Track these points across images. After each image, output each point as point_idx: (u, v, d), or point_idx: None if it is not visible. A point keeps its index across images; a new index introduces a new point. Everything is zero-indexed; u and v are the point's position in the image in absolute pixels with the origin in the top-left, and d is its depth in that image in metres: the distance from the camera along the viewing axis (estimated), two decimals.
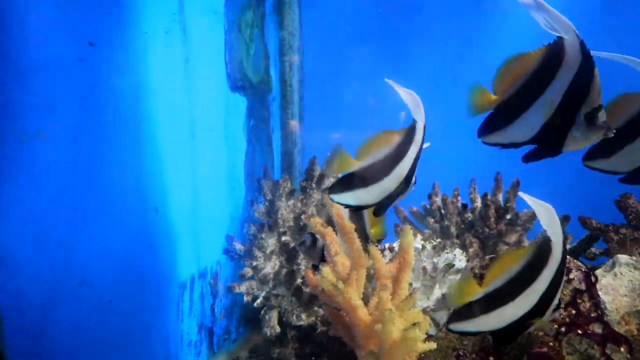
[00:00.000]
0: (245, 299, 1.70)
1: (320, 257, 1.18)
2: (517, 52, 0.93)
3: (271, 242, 1.74)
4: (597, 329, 1.14)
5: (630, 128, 1.02)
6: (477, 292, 0.92)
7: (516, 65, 0.93)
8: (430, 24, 2.80)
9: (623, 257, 1.31)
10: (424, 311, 1.35)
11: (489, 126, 0.97)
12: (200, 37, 1.80)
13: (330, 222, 1.11)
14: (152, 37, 1.54)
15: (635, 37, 2.34)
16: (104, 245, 1.37)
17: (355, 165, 0.93)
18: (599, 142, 0.96)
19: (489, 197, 1.78)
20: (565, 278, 1.21)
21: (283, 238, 1.73)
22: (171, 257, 1.71)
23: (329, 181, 1.81)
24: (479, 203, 1.83)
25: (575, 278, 1.23)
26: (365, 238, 1.16)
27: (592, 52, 0.88)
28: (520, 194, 0.96)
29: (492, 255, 1.51)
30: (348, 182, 0.94)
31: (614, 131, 0.91)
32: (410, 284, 1.40)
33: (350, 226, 1.09)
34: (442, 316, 1.38)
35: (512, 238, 1.78)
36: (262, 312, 1.69)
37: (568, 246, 1.86)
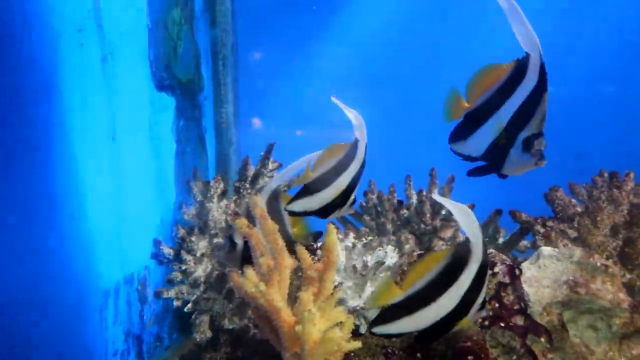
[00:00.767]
0: (175, 304, 1.63)
1: (240, 260, 1.14)
2: (492, 63, 0.90)
3: (202, 245, 1.68)
4: (519, 321, 1.16)
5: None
6: (398, 295, 0.91)
7: (487, 76, 0.90)
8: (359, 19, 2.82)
9: (546, 249, 1.34)
10: (356, 310, 1.34)
11: (455, 134, 0.96)
12: (120, 35, 1.72)
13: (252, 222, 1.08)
14: (63, 35, 1.45)
15: None
16: (8, 256, 1.27)
17: (311, 177, 1.04)
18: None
19: (424, 193, 1.79)
20: (489, 272, 1.22)
21: (215, 240, 1.68)
22: (91, 264, 1.62)
23: (263, 181, 1.77)
24: (414, 199, 1.84)
25: (500, 272, 1.25)
26: (289, 239, 1.14)
27: None
28: (436, 196, 0.94)
29: (420, 252, 1.51)
30: (301, 192, 1.06)
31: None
32: (341, 283, 1.38)
33: (273, 226, 1.06)
34: (374, 314, 1.36)
35: (448, 233, 1.80)
36: (193, 316, 1.64)
37: (501, 240, 1.90)
